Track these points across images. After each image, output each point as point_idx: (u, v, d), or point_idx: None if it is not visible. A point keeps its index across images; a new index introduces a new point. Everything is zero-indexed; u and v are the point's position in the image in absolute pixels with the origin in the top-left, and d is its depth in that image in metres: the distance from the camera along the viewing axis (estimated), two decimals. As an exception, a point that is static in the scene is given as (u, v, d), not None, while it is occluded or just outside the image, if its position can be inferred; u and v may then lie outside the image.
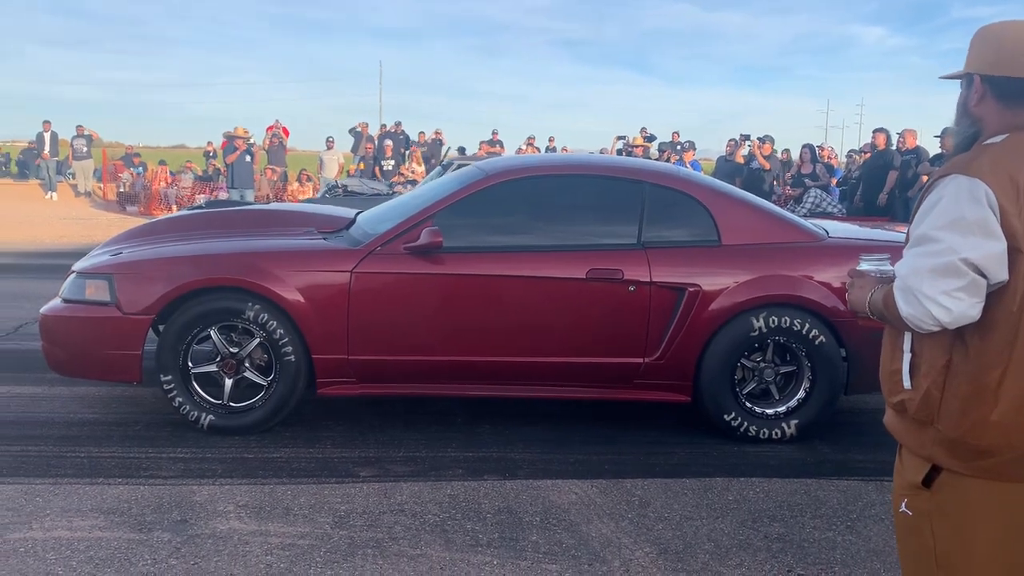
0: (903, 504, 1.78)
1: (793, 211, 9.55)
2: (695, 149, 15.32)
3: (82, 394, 4.80)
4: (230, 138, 14.08)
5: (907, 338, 1.73)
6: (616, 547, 3.16)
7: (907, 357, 1.73)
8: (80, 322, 4.20)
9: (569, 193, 4.49)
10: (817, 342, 4.22)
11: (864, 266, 1.87)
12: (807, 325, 4.20)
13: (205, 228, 4.86)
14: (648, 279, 4.18)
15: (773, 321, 4.19)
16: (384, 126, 20.73)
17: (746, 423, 4.28)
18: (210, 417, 4.17)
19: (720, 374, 4.23)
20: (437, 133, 20.32)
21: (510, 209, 4.41)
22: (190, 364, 4.19)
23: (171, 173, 19.80)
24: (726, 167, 13.68)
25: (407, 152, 18.25)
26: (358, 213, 5.06)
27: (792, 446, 4.31)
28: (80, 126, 20.67)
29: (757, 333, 4.21)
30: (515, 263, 4.20)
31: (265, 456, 3.96)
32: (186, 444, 4.07)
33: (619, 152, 16.33)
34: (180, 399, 4.16)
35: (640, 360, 4.23)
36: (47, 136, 20.78)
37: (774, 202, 11.85)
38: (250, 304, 4.11)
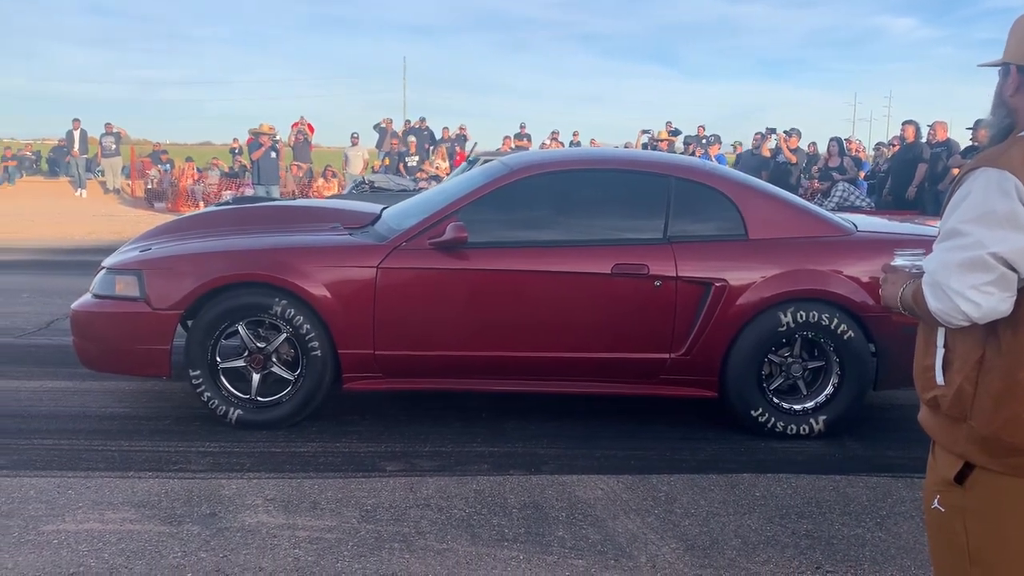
0: (935, 500, 1.75)
1: (821, 205, 9.46)
2: (721, 143, 15.22)
3: (113, 388, 4.86)
4: (256, 135, 14.18)
5: (940, 333, 1.70)
6: (642, 543, 3.15)
7: (940, 353, 1.70)
8: (110, 317, 4.26)
9: (594, 188, 4.47)
10: (846, 337, 4.17)
11: (899, 261, 1.85)
12: (835, 320, 4.16)
13: (232, 224, 4.90)
14: (674, 274, 4.16)
15: (801, 316, 4.15)
16: (408, 122, 20.79)
17: (773, 419, 4.25)
18: (238, 412, 4.21)
19: (747, 370, 4.20)
20: (461, 129, 20.32)
21: (535, 204, 4.40)
22: (218, 359, 4.23)
23: (198, 170, 19.98)
24: (752, 161, 13.56)
25: (431, 148, 18.29)
26: (383, 209, 5.08)
27: (820, 442, 4.28)
28: (109, 124, 20.91)
29: (785, 328, 4.17)
30: (540, 258, 4.21)
31: (293, 451, 3.99)
32: (215, 439, 4.11)
33: (644, 146, 16.25)
34: (208, 394, 4.20)
35: (666, 356, 4.21)
36: (76, 134, 21.06)
37: (800, 196, 11.79)
38: (277, 299, 4.14)
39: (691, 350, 4.20)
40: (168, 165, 21.11)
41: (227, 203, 6.79)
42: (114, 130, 20.95)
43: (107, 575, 2.82)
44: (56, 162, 23.73)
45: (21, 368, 5.23)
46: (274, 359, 4.26)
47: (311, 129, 19.84)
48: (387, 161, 17.64)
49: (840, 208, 9.03)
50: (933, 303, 1.63)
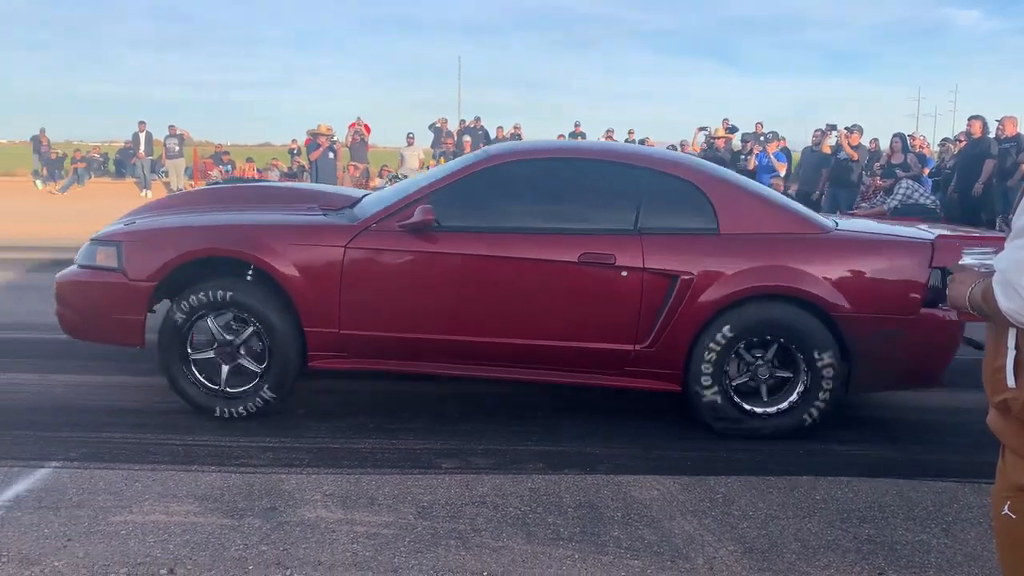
0: (1005, 507, 1.70)
1: (883, 202, 9.24)
2: (780, 139, 14.96)
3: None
4: (314, 135, 14.41)
5: (1011, 334, 1.65)
6: (699, 544, 3.12)
7: (1011, 354, 1.65)
8: (89, 287, 4.42)
9: (569, 177, 4.43)
10: (815, 341, 4.08)
11: (967, 260, 1.80)
12: (807, 320, 4.09)
13: (215, 203, 5.04)
14: (641, 265, 4.11)
15: (771, 314, 4.11)
16: (463, 121, 20.90)
17: (730, 413, 4.21)
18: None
19: (719, 362, 4.14)
20: (516, 128, 20.35)
21: (509, 191, 4.36)
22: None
23: (258, 170, 20.40)
24: (812, 158, 13.32)
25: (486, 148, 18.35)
26: (365, 194, 5.18)
27: (882, 445, 4.19)
28: (172, 126, 21.45)
29: (750, 326, 4.11)
30: (507, 244, 4.17)
31: (351, 447, 4.05)
32: (275, 434, 4.19)
33: (701, 144, 16.07)
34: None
35: (631, 347, 4.17)
36: (142, 136, 21.68)
37: (861, 193, 11.53)
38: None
39: (656, 342, 4.14)
40: (229, 166, 21.58)
41: (217, 183, 7.00)
42: (177, 132, 21.49)
43: (172, 565, 2.89)
44: (123, 163, 24.48)
45: (88, 363, 5.38)
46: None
47: (367, 129, 20.06)
48: (442, 160, 17.76)
49: (904, 205, 8.78)
50: (1004, 302, 1.58)
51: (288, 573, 2.86)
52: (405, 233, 4.19)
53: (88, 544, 3.03)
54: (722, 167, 5.19)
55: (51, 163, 24.32)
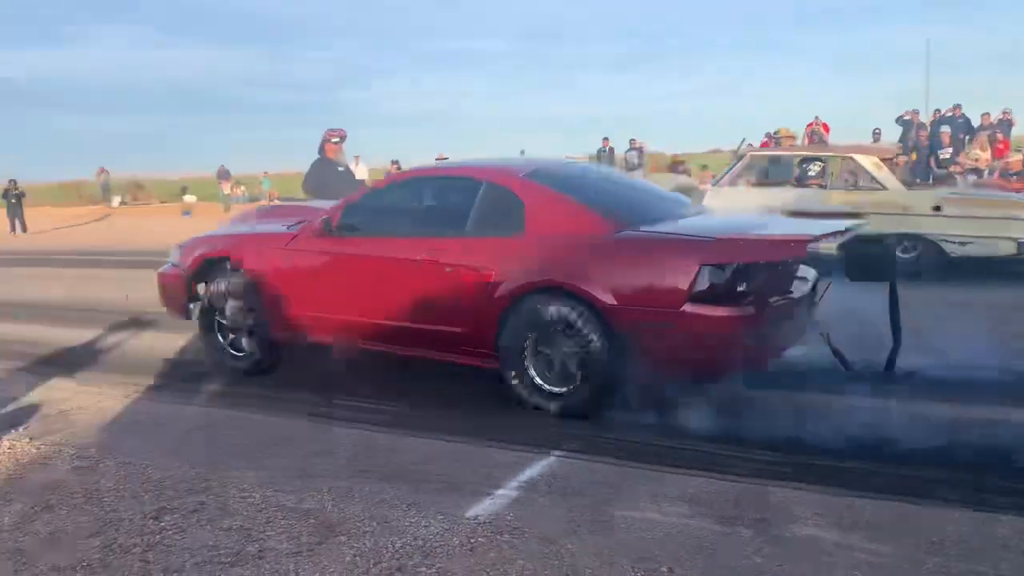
0: None
1: None
2: None
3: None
4: (774, 139, 14.15)
5: None
6: None
7: None
8: (164, 276, 6.26)
9: (433, 192, 5.66)
10: (587, 331, 4.49)
11: None
12: (580, 313, 4.51)
13: (265, 218, 6.68)
14: (462, 263, 4.89)
15: (548, 305, 4.60)
16: (938, 111, 18.84)
17: (526, 392, 4.74)
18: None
19: (510, 346, 4.75)
20: (1005, 114, 17.80)
21: (395, 204, 5.58)
22: None
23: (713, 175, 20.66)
24: None
25: (966, 137, 16.37)
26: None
27: None
28: (633, 139, 22.77)
29: (536, 316, 4.64)
30: (380, 245, 5.27)
31: (835, 464, 3.85)
32: (765, 446, 4.15)
33: None
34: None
35: (459, 330, 4.92)
36: (606, 152, 23.32)
37: None
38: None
39: (473, 326, 4.86)
40: (685, 176, 22.19)
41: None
42: (637, 145, 22.75)
43: (672, 564, 3.00)
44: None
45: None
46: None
47: (826, 128, 19.19)
48: (913, 156, 16.23)
49: None
50: None
51: (786, 591, 2.80)
52: (318, 237, 5.51)
53: (594, 532, 3.28)
54: (564, 171, 5.55)
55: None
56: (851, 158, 9.51)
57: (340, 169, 9.14)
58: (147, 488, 3.85)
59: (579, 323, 4.51)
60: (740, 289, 4.33)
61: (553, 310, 4.59)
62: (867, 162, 9.26)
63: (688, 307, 4.27)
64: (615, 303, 4.42)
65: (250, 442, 4.49)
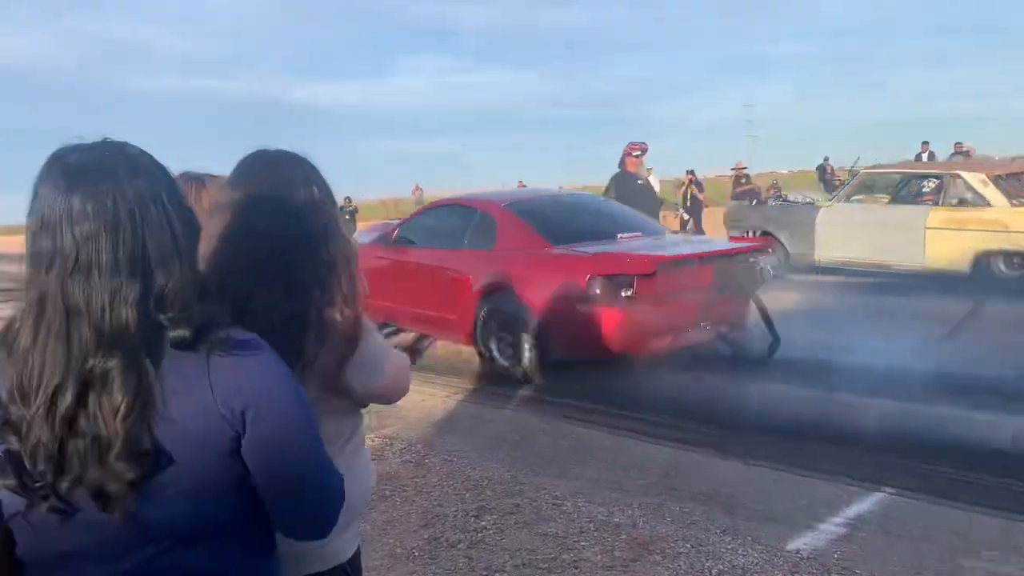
0: None
1: None
2: None
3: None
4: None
5: None
6: None
7: None
8: None
9: (451, 216, 7.18)
10: (523, 320, 5.94)
11: None
12: (517, 307, 5.99)
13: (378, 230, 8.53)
14: (455, 269, 6.60)
15: (497, 301, 6.19)
16: None
17: (497, 360, 6.23)
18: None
19: (483, 329, 6.29)
20: None
21: (431, 223, 7.34)
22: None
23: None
24: None
25: None
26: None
27: None
28: (958, 143, 20.52)
29: (494, 308, 6.22)
30: (421, 254, 7.05)
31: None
32: None
33: None
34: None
35: (455, 316, 6.48)
36: (924, 156, 21.25)
37: None
38: None
39: (460, 313, 6.40)
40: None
41: None
42: (963, 149, 20.46)
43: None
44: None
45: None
46: None
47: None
48: None
49: None
50: None
51: None
52: (381, 245, 7.44)
53: (939, 583, 2.92)
54: (537, 201, 7.19)
55: (833, 190, 25.66)
56: (958, 175, 9.57)
57: (639, 182, 9.20)
58: (468, 486, 4.07)
59: (518, 315, 5.97)
60: (624, 294, 5.52)
61: (504, 305, 6.10)
62: (973, 179, 9.31)
63: (580, 306, 5.65)
64: (537, 301, 5.86)
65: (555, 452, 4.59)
